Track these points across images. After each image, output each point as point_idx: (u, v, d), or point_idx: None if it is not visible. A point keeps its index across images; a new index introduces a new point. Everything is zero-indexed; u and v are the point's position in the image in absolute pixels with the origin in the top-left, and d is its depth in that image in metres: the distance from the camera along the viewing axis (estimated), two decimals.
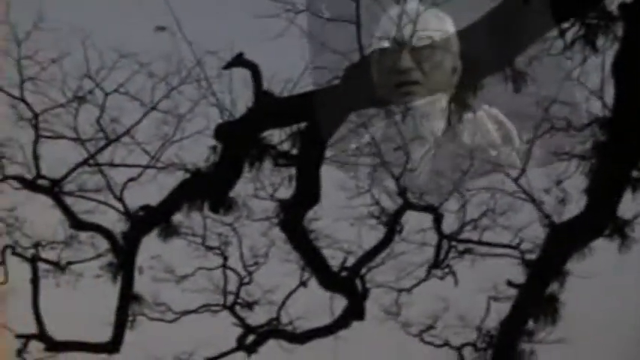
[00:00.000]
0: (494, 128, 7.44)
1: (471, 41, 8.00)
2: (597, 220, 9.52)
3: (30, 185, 11.65)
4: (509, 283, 11.42)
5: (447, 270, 12.19)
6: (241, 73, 9.78)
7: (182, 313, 12.37)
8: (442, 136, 7.45)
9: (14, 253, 12.07)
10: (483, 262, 12.04)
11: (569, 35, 8.59)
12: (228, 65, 9.87)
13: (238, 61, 9.71)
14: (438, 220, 11.79)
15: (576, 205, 9.91)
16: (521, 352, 10.89)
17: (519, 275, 11.25)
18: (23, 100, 11.55)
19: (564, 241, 9.84)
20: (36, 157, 11.62)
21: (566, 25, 8.42)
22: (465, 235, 12.03)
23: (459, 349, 12.34)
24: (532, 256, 11.17)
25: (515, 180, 11.51)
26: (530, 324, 10.71)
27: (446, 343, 12.41)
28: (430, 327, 12.39)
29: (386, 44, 6.77)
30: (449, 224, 11.92)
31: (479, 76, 8.75)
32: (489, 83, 9.47)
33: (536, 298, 10.40)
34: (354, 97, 7.99)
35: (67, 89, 11.55)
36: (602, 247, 10.12)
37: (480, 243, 12.00)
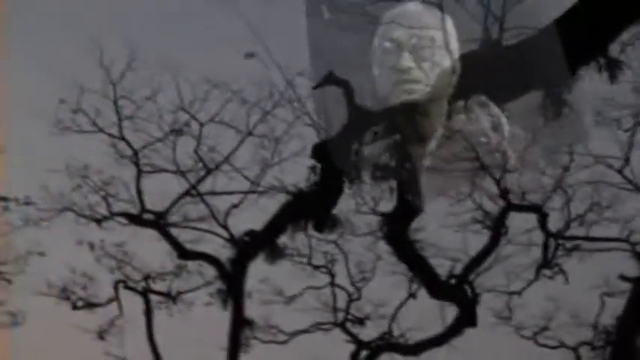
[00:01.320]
0: (484, 116, 7.32)
1: (562, 33, 7.91)
2: None
3: (136, 220, 11.96)
4: (623, 277, 11.18)
5: (556, 269, 11.96)
6: (333, 91, 9.83)
7: (293, 334, 12.46)
8: (441, 135, 7.37)
9: (126, 287, 12.38)
10: (593, 258, 11.81)
11: None
12: (319, 84, 9.92)
13: (329, 79, 9.74)
14: (542, 219, 11.60)
15: None
16: None
17: (632, 268, 11.02)
18: (123, 139, 11.85)
19: None
20: (139, 192, 11.89)
21: None
22: (571, 232, 11.82)
23: (575, 348, 12.11)
24: None
25: (619, 171, 11.31)
26: None
27: (561, 344, 12.19)
28: (544, 328, 12.18)
29: (387, 44, 6.80)
30: (554, 222, 11.74)
31: (574, 67, 8.62)
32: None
33: None
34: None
35: (164, 124, 11.86)
36: None
37: (587, 239, 11.77)
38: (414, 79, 6.75)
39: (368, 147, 9.26)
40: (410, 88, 6.80)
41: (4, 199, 11.66)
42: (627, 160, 11.23)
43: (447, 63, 6.91)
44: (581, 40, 8.00)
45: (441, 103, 7.05)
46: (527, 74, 7.74)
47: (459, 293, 11.36)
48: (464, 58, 8.12)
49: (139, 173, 11.91)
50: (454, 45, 6.97)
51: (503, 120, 7.24)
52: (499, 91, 7.95)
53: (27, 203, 11.72)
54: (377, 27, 7.36)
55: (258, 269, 11.35)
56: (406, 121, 7.12)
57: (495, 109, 7.18)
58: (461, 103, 7.04)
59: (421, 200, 9.29)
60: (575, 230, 11.82)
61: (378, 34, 6.97)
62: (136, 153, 11.86)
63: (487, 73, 7.92)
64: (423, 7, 6.97)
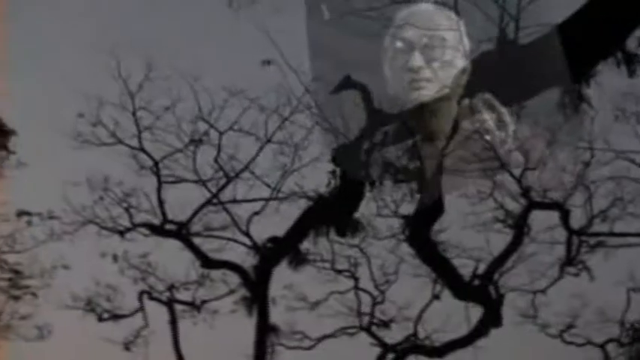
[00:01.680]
0: (489, 114, 7.33)
1: (579, 28, 7.91)
2: None
3: (158, 231, 12.00)
4: None
5: (580, 266, 11.90)
6: (351, 95, 9.85)
7: (319, 339, 12.42)
8: (451, 134, 7.38)
9: (151, 298, 12.41)
10: (617, 254, 11.74)
11: None
12: (337, 89, 9.94)
13: (346, 83, 9.77)
14: (565, 216, 11.54)
15: None
16: None
17: None
18: (143, 150, 11.89)
19: None
20: (161, 203, 11.94)
21: None
22: (594, 228, 11.74)
23: (602, 346, 12.03)
24: None
25: None
26: None
27: (588, 342, 12.11)
28: (570, 326, 12.10)
29: (398, 44, 6.83)
30: (577, 219, 11.68)
31: (591, 63, 8.62)
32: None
33: None
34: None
35: (183, 134, 11.88)
36: None
37: (611, 234, 11.69)
38: (424, 79, 6.79)
39: (386, 150, 9.30)
40: (420, 87, 6.84)
41: (27, 213, 11.75)
42: None
43: (457, 63, 6.94)
44: (598, 35, 8.01)
45: (451, 102, 7.08)
46: (544, 72, 7.75)
47: (483, 293, 11.32)
48: (480, 57, 8.15)
49: (160, 184, 11.95)
50: (465, 45, 7.00)
51: (508, 118, 7.26)
52: (516, 89, 7.97)
53: (50, 217, 11.80)
54: (377, 25, 7.41)
55: (281, 275, 11.40)
56: (417, 121, 7.15)
57: (500, 108, 7.21)
58: (466, 102, 7.07)
59: (442, 201, 9.32)
60: (599, 226, 11.75)
61: (389, 33, 7.01)
62: (156, 164, 11.90)
63: (503, 72, 7.93)
64: (434, 7, 7.01)
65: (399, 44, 6.92)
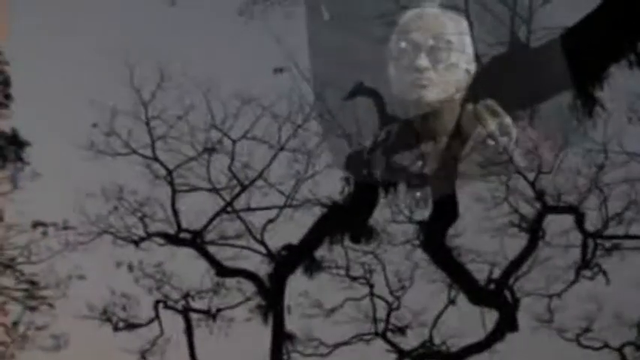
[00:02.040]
0: (492, 119, 7.34)
1: (592, 30, 7.89)
2: None
3: (173, 240, 12.03)
4: None
5: (596, 269, 11.86)
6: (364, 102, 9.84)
7: (335, 346, 12.41)
8: (453, 137, 7.38)
9: (166, 307, 12.44)
10: (633, 256, 11.70)
11: None
12: (350, 95, 9.93)
13: (359, 89, 9.76)
14: (580, 219, 11.52)
15: None
16: None
17: None
18: (156, 159, 11.92)
19: None
20: (175, 212, 11.96)
21: None
22: (610, 231, 11.71)
23: (619, 349, 11.98)
24: None
25: None
26: None
27: (605, 345, 12.05)
28: (586, 330, 12.05)
29: (404, 44, 6.85)
30: (592, 222, 11.65)
31: (604, 65, 8.60)
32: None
33: None
34: None
35: (196, 142, 11.91)
36: None
37: (627, 237, 11.66)
38: (429, 80, 6.81)
39: (391, 151, 9.27)
40: (424, 86, 6.87)
41: (43, 224, 11.80)
42: None
43: (462, 66, 6.96)
44: (611, 37, 8.00)
45: (454, 105, 7.09)
46: (556, 75, 7.74)
47: (498, 298, 11.29)
48: (491, 61, 8.15)
49: (174, 193, 11.97)
50: (469, 48, 7.02)
51: (511, 124, 7.26)
52: (527, 93, 7.96)
53: (65, 228, 11.85)
54: (375, 24, 7.45)
55: (296, 283, 11.40)
56: (420, 122, 7.17)
57: (504, 114, 7.21)
58: (470, 107, 7.08)
59: (456, 206, 9.31)
60: (614, 229, 11.72)
61: (395, 34, 7.03)
62: (170, 173, 11.93)
63: (514, 76, 7.93)
64: (440, 9, 7.04)
65: (404, 44, 6.94)
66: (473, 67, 7.17)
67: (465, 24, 7.25)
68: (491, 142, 7.31)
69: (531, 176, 10.80)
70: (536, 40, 8.49)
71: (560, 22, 8.30)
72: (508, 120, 7.27)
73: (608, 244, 11.78)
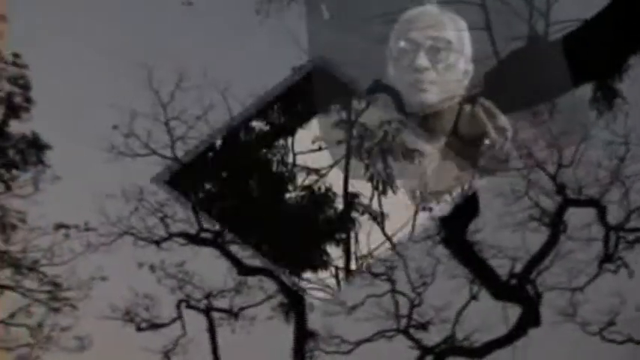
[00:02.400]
0: (488, 120, 7.33)
1: (611, 22, 7.86)
2: None
3: (194, 239, 12.05)
4: None
5: (618, 262, 11.80)
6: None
7: (357, 343, 12.39)
8: (451, 136, 7.38)
9: (189, 306, 12.48)
10: None
11: None
12: (369, 92, 9.93)
13: (377, 86, 9.76)
14: (601, 212, 11.47)
15: None
16: None
17: None
18: (176, 160, 11.93)
19: None
20: (196, 212, 11.95)
21: None
22: (632, 224, 11.67)
23: None
24: None
25: None
26: None
27: (629, 339, 11.99)
28: (610, 324, 11.99)
29: (403, 43, 6.86)
30: (614, 215, 11.60)
31: (624, 57, 8.56)
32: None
33: None
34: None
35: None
36: None
37: None
38: (428, 80, 6.82)
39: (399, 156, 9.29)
40: (425, 90, 6.87)
41: (65, 226, 11.87)
42: None
43: (460, 66, 6.95)
44: (630, 28, 7.96)
45: (452, 104, 7.08)
46: (574, 68, 7.71)
47: (521, 293, 11.26)
48: (510, 55, 8.13)
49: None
50: (468, 49, 7.01)
51: (506, 124, 7.26)
52: (545, 87, 7.94)
53: (87, 229, 11.92)
54: (372, 24, 7.44)
55: None
56: (420, 120, 7.17)
57: (499, 114, 7.21)
58: (467, 107, 7.07)
59: (477, 202, 9.29)
60: (636, 222, 11.66)
61: (395, 33, 7.03)
62: None
63: (533, 70, 7.91)
64: (440, 9, 7.03)
65: (403, 44, 6.96)
66: (471, 68, 7.19)
67: (464, 24, 7.25)
68: (487, 141, 7.32)
69: (552, 169, 10.76)
70: (554, 33, 8.47)
71: (579, 14, 8.28)
72: (504, 120, 7.29)
73: (630, 236, 11.73)
